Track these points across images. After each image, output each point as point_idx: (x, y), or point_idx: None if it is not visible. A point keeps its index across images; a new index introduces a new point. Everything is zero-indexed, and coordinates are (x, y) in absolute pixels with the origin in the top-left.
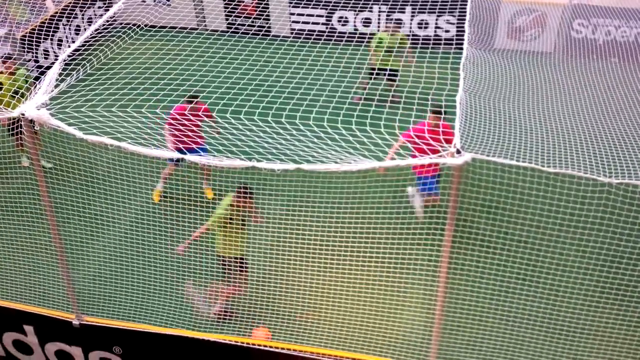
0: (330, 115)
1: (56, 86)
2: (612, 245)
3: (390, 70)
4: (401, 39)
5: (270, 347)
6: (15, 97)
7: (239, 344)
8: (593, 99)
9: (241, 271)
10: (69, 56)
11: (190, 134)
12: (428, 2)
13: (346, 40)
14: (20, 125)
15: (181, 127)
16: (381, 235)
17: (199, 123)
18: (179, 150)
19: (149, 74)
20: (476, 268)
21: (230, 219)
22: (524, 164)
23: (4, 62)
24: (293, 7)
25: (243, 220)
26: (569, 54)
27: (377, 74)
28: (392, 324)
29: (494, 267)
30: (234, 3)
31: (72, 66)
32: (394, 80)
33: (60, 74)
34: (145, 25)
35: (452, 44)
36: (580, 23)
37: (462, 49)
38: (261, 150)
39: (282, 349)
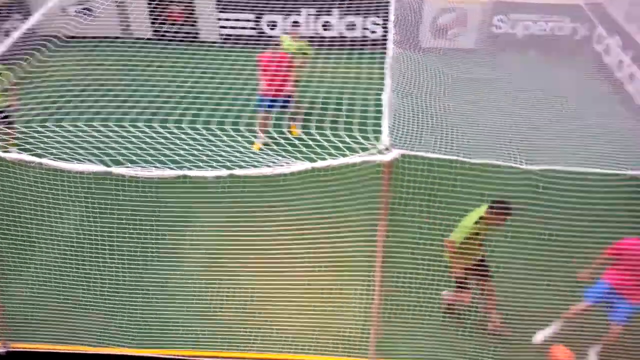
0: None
1: None
2: (539, 228)
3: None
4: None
5: (215, 357)
6: None
7: (179, 357)
8: (514, 90)
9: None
10: None
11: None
12: (353, 4)
13: (276, 44)
14: None
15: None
16: (315, 235)
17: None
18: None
19: (70, 86)
20: (410, 260)
21: (476, 234)
22: (450, 156)
23: None
24: (221, 11)
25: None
26: (491, 49)
27: None
28: (331, 322)
29: (426, 258)
30: (159, 9)
31: None
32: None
33: None
34: (66, 36)
35: (378, 45)
36: (500, 19)
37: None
38: (191, 159)
39: (232, 359)
